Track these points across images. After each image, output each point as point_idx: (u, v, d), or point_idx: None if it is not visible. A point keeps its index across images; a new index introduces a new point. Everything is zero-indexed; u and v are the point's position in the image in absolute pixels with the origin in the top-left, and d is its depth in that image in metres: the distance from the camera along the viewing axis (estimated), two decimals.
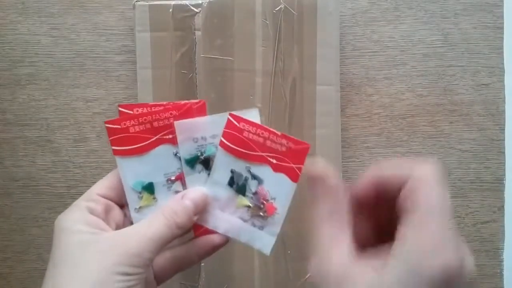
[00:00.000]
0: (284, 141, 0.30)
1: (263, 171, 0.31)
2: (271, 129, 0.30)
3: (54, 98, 0.50)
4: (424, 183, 0.22)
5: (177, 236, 0.29)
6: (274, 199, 0.31)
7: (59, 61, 0.50)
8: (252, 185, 0.31)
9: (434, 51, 0.50)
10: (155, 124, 0.30)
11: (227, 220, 0.31)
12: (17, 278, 0.51)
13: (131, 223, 0.31)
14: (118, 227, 0.30)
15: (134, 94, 0.49)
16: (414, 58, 0.50)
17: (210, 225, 0.31)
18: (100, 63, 0.50)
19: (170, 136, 0.31)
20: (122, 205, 0.31)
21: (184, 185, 0.31)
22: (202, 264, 0.47)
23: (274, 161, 0.30)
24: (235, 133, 0.30)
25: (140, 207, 0.31)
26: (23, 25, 0.50)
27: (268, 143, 0.30)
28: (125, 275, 0.26)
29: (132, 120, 0.30)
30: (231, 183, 0.31)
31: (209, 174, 0.31)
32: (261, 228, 0.31)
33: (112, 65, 0.50)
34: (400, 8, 0.50)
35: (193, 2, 0.46)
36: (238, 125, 0.30)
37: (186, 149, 0.31)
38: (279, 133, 0.30)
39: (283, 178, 0.30)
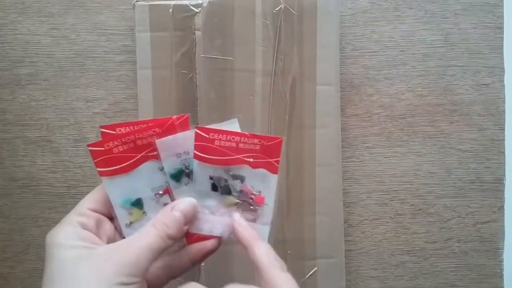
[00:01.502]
0: (256, 140, 0.31)
1: (243, 170, 0.32)
2: (240, 132, 0.31)
3: (54, 98, 0.50)
4: None
5: (170, 245, 0.29)
6: (260, 192, 0.32)
7: (59, 61, 0.50)
8: (236, 185, 0.32)
9: (434, 51, 0.50)
10: (139, 142, 0.30)
11: (220, 221, 0.32)
12: (17, 278, 0.51)
13: (123, 237, 0.31)
14: (109, 240, 0.30)
15: (134, 94, 0.49)
16: (414, 58, 0.50)
17: (205, 231, 0.32)
18: (100, 63, 0.50)
19: (155, 153, 0.31)
20: (112, 218, 0.31)
21: (172, 197, 0.32)
22: (202, 264, 0.47)
23: (251, 160, 0.31)
24: (207, 144, 0.31)
25: (131, 222, 0.31)
26: (23, 25, 0.50)
27: (241, 145, 0.31)
28: (123, 285, 0.26)
29: (115, 141, 0.29)
30: (214, 188, 0.32)
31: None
32: (254, 220, 0.32)
33: (112, 65, 0.50)
34: (400, 8, 0.50)
35: (193, 2, 0.46)
36: (207, 136, 0.31)
37: (170, 165, 0.31)
38: (248, 134, 0.31)
39: (263, 172, 0.32)
